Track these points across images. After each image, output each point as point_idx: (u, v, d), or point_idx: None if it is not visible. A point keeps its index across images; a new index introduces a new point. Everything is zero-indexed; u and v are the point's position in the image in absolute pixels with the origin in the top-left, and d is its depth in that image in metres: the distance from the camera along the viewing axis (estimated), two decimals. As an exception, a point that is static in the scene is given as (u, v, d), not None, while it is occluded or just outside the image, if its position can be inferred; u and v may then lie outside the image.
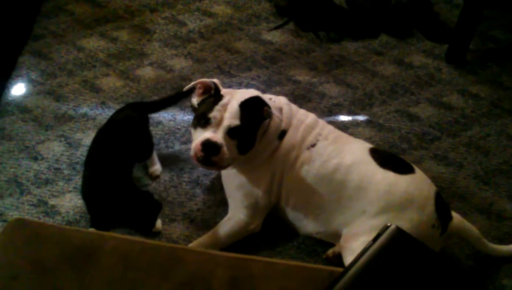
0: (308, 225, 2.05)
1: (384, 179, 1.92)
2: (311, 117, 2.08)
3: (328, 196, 1.97)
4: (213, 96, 1.95)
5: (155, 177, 2.25)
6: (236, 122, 1.87)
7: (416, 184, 1.94)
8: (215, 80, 1.99)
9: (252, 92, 2.03)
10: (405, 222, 1.84)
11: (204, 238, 2.01)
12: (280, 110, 2.02)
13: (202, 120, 1.89)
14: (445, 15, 3.17)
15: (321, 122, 2.10)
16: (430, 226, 1.88)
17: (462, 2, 2.80)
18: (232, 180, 2.06)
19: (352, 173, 1.94)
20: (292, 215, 2.06)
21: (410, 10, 3.05)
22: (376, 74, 2.83)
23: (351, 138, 2.12)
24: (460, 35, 2.84)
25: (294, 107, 2.11)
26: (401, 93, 2.74)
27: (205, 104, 1.95)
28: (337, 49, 2.96)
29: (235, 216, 2.04)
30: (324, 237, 2.04)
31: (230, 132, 1.87)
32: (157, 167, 2.25)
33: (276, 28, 3.04)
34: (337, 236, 1.97)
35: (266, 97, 2.03)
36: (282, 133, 2.01)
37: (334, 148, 2.00)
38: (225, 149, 1.85)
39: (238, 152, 1.91)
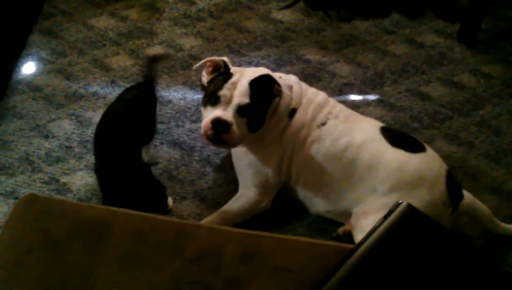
0: (318, 204, 2.05)
1: (394, 157, 1.92)
2: (321, 95, 2.08)
3: (338, 174, 1.96)
4: (222, 74, 1.95)
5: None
6: (246, 100, 1.86)
7: (427, 163, 1.93)
8: (225, 58, 1.98)
9: (262, 70, 2.03)
10: (416, 200, 1.82)
11: (214, 215, 2.01)
12: (290, 88, 2.01)
13: (212, 98, 1.89)
14: (458, -7, 3.14)
15: (332, 100, 2.09)
16: (441, 204, 1.88)
17: (475, -20, 2.76)
18: (242, 158, 2.06)
19: (363, 152, 1.94)
20: (302, 193, 2.06)
21: (421, -11, 3.02)
22: (387, 53, 2.81)
23: (362, 117, 2.11)
24: (472, 14, 2.81)
25: (304, 85, 2.10)
26: (412, 73, 2.72)
27: (214, 82, 1.94)
28: (348, 28, 2.93)
29: (245, 194, 2.04)
30: (334, 216, 2.05)
31: (240, 110, 1.87)
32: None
33: (286, 7, 3.02)
34: (347, 215, 1.97)
35: (276, 75, 2.02)
36: (292, 112, 2.01)
37: (344, 127, 2.00)
38: (235, 127, 1.85)
39: (248, 130, 1.91)
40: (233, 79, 1.90)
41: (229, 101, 1.87)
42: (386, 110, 2.51)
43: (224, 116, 1.85)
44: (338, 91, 2.58)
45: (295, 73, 2.60)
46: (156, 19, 2.88)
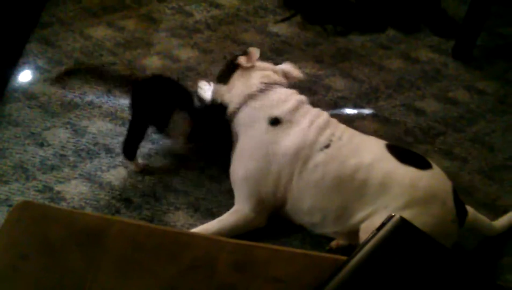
0: (327, 226, 2.03)
1: (407, 175, 1.92)
2: (323, 117, 2.07)
3: (350, 196, 1.95)
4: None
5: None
6: None
7: (437, 180, 1.95)
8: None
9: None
10: (429, 217, 1.84)
11: (208, 226, 2.01)
12: (283, 100, 2.06)
13: None
14: (453, 10, 3.16)
15: (334, 121, 2.09)
16: (450, 221, 1.89)
17: (470, -3, 2.80)
18: (239, 171, 2.06)
19: (374, 171, 1.93)
20: (306, 218, 2.05)
21: (417, 5, 3.04)
22: (383, 68, 2.83)
23: (365, 136, 2.10)
24: (467, 30, 2.84)
25: (306, 107, 2.12)
26: (407, 87, 2.74)
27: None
28: (344, 42, 2.96)
29: (241, 210, 2.04)
30: (339, 235, 2.04)
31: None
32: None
33: (283, 20, 3.04)
34: (354, 233, 1.96)
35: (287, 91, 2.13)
36: (275, 120, 2.03)
37: (350, 148, 1.99)
38: None
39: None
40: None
41: None
42: (380, 124, 2.53)
43: None
44: (333, 104, 2.60)
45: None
46: (153, 30, 2.90)
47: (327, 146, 1.99)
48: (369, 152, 1.98)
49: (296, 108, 2.07)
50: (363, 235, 1.91)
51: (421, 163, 1.98)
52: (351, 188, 1.94)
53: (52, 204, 2.08)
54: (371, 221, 1.90)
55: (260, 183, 2.02)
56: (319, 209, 2.00)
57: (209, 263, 1.32)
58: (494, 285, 1.29)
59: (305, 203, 2.02)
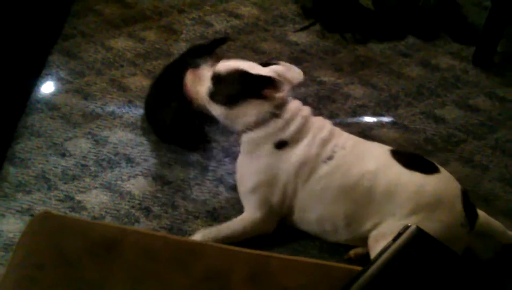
0: (337, 235, 2.04)
1: (412, 181, 1.91)
2: (326, 129, 2.04)
3: (356, 204, 1.95)
4: None
5: None
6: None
7: (443, 184, 1.94)
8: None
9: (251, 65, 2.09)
10: (436, 222, 1.84)
11: (218, 230, 2.03)
12: (289, 121, 2.02)
13: None
14: (473, 17, 3.14)
15: (336, 131, 2.07)
16: (459, 225, 1.87)
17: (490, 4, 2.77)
18: (247, 183, 2.07)
19: (379, 178, 1.93)
20: (317, 227, 2.05)
21: (437, 12, 3.03)
22: (402, 75, 2.82)
23: (368, 143, 2.09)
24: (488, 37, 2.81)
25: (311, 121, 2.06)
26: (427, 95, 2.72)
27: None
28: (363, 50, 2.95)
29: (250, 217, 2.05)
30: (352, 242, 2.04)
31: (214, 78, 2.03)
32: None
33: (302, 29, 3.05)
34: (365, 240, 1.97)
35: (293, 104, 2.06)
36: (281, 144, 2.00)
37: (354, 157, 1.98)
38: (204, 72, 2.07)
39: (208, 95, 2.05)
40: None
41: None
42: (400, 133, 2.52)
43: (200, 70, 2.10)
44: (352, 112, 2.60)
45: (309, 95, 2.64)
46: (173, 40, 2.93)
47: (330, 158, 1.98)
48: (373, 159, 1.98)
49: (301, 126, 2.02)
50: (372, 244, 1.92)
51: (427, 168, 1.96)
52: (357, 196, 1.94)
53: (72, 214, 2.12)
54: (379, 230, 1.91)
55: (268, 193, 2.03)
56: (327, 218, 2.01)
57: (224, 274, 1.33)
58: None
59: (312, 213, 2.02)
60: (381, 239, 1.87)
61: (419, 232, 1.35)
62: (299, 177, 1.99)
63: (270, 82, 1.98)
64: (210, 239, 2.01)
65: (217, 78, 2.04)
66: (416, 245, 1.34)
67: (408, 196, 1.89)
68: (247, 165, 2.09)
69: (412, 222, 1.78)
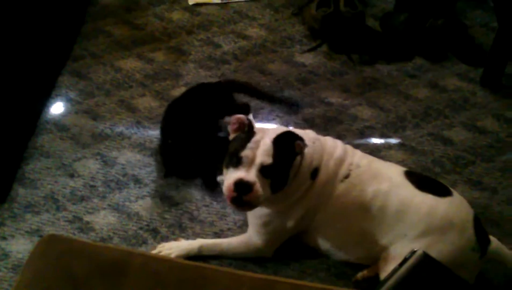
0: (348, 253, 2.04)
1: (423, 202, 1.91)
2: (339, 148, 2.05)
3: (368, 223, 1.95)
4: (245, 133, 1.92)
5: None
6: (269, 160, 1.83)
7: (455, 207, 1.93)
8: (250, 117, 1.99)
9: (283, 129, 2.00)
10: (446, 245, 1.84)
11: (211, 244, 2.08)
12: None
13: (234, 159, 1.85)
14: (481, 38, 3.15)
15: (350, 149, 2.08)
16: (470, 249, 1.87)
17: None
18: (258, 219, 2.05)
19: (391, 198, 1.93)
20: (327, 245, 2.06)
21: (444, 33, 3.03)
22: (410, 97, 2.82)
23: (383, 162, 2.11)
24: (495, 58, 2.81)
25: (322, 139, 2.07)
26: (434, 116, 2.72)
27: (236, 141, 1.91)
28: (370, 71, 2.96)
29: (253, 242, 2.06)
30: (363, 261, 2.03)
31: (263, 170, 1.83)
32: None
33: (309, 50, 3.07)
34: (375, 259, 1.97)
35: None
36: (315, 171, 1.98)
37: (369, 175, 1.99)
38: (258, 186, 1.81)
39: (271, 191, 1.87)
40: (256, 137, 1.87)
41: (251, 161, 1.83)
42: (407, 154, 2.51)
43: (246, 177, 1.81)
44: (359, 134, 2.60)
45: (317, 116, 2.65)
46: (182, 61, 2.96)
47: (347, 176, 1.99)
48: (387, 179, 1.98)
49: (318, 150, 2.01)
50: (382, 266, 1.92)
51: (440, 190, 1.97)
52: (370, 215, 1.95)
53: (80, 235, 2.13)
54: (390, 251, 1.91)
55: (281, 225, 2.03)
56: (340, 236, 2.02)
57: (230, 299, 1.33)
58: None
59: (327, 231, 2.03)
60: (391, 261, 1.87)
61: (426, 258, 1.35)
62: (321, 199, 1.99)
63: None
64: (207, 251, 2.07)
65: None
66: (422, 271, 1.34)
67: (419, 218, 1.89)
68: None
69: (423, 244, 1.82)
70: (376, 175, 2.00)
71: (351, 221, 1.98)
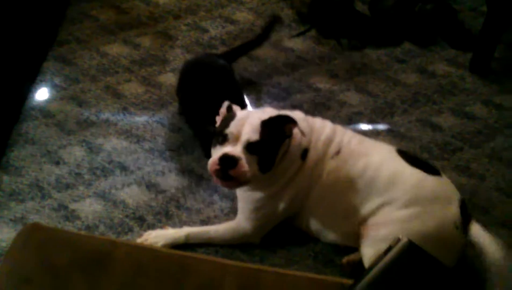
0: (336, 231, 2.04)
1: (413, 175, 1.93)
2: (328, 127, 2.06)
3: (358, 195, 1.96)
4: (228, 114, 1.93)
5: None
6: (255, 137, 1.82)
7: (443, 184, 1.96)
8: (227, 103, 1.98)
9: (268, 111, 2.01)
10: (431, 217, 1.85)
11: (200, 231, 2.07)
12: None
13: (219, 137, 1.85)
14: (470, 23, 3.13)
15: (339, 129, 2.08)
16: (454, 226, 1.87)
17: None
18: (248, 204, 2.05)
19: (382, 169, 1.95)
20: (318, 225, 2.05)
21: (433, 18, 3.01)
22: (398, 82, 2.81)
23: (374, 141, 2.12)
24: (484, 43, 2.80)
25: (311, 120, 2.08)
26: (423, 102, 2.71)
27: (221, 122, 1.92)
28: (359, 56, 2.94)
29: (242, 227, 2.06)
30: (351, 241, 2.02)
31: (249, 147, 1.82)
32: None
33: (297, 35, 3.04)
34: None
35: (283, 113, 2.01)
36: (305, 152, 1.99)
37: (360, 151, 2.00)
38: (243, 161, 1.80)
39: (258, 169, 1.86)
40: (240, 116, 1.87)
41: (237, 138, 1.82)
42: (396, 140, 2.50)
43: (232, 152, 1.80)
44: (347, 120, 2.58)
45: (305, 101, 2.64)
46: (169, 46, 2.92)
47: (337, 153, 1.99)
48: (379, 153, 2.00)
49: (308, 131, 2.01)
50: (364, 232, 1.92)
51: (430, 170, 1.99)
52: (360, 187, 1.95)
53: (66, 223, 2.11)
54: (373, 218, 1.92)
55: (271, 209, 2.03)
56: (330, 213, 2.02)
57: (215, 288, 1.32)
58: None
59: (317, 211, 2.03)
60: (374, 228, 1.90)
61: (410, 245, 1.34)
62: (312, 178, 1.99)
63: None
64: (194, 239, 2.06)
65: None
66: (406, 259, 1.33)
67: (407, 188, 1.90)
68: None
69: (408, 213, 1.85)
70: (367, 150, 2.01)
71: (340, 195, 1.98)
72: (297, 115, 2.05)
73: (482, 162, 2.44)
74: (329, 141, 2.02)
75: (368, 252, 1.88)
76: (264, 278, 1.36)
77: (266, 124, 1.86)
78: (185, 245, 2.05)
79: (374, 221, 1.92)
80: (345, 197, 1.97)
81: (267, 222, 2.06)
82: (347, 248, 2.04)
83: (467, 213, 1.93)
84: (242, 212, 2.07)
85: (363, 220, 1.95)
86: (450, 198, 1.92)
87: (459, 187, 2.24)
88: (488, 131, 2.58)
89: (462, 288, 1.30)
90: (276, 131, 1.89)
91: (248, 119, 1.86)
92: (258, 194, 2.01)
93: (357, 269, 1.96)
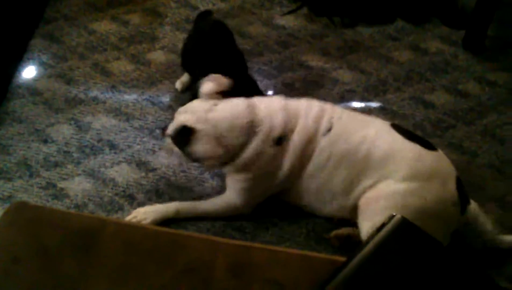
0: (333, 203, 2.01)
1: (412, 149, 1.91)
2: (315, 106, 2.02)
3: (356, 167, 1.93)
4: None
5: None
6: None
7: (441, 160, 1.95)
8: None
9: (241, 103, 1.99)
10: (430, 193, 1.84)
11: (197, 207, 2.06)
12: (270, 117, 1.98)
13: None
14: (463, 0, 3.10)
15: (329, 106, 2.05)
16: (451, 203, 1.86)
17: (481, -14, 2.73)
18: (240, 183, 2.03)
19: (379, 142, 1.92)
20: (313, 199, 2.04)
21: (427, -5, 2.99)
22: (391, 60, 2.78)
23: (366, 116, 2.10)
24: (478, 20, 2.77)
25: (293, 105, 2.03)
26: (416, 80, 2.69)
27: None
28: (351, 34, 2.91)
29: (232, 201, 2.05)
30: (345, 211, 2.01)
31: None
32: None
33: (289, 12, 3.00)
34: (355, 209, 1.95)
35: (260, 103, 2.00)
36: (280, 139, 1.97)
37: (354, 125, 1.98)
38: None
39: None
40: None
41: None
42: (388, 118, 2.48)
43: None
44: (340, 98, 2.56)
45: (297, 80, 2.60)
46: (158, 23, 2.88)
47: (329, 129, 1.97)
48: (374, 127, 1.98)
49: (287, 116, 1.99)
50: (363, 207, 1.90)
51: (427, 145, 1.97)
52: (356, 160, 1.93)
53: (54, 202, 2.08)
54: (371, 192, 1.89)
55: (260, 191, 2.03)
56: (326, 187, 1.99)
57: (205, 266, 1.30)
58: (494, 286, 1.25)
59: (313, 184, 2.01)
60: (372, 201, 1.87)
61: (404, 222, 1.33)
62: (305, 157, 1.97)
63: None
64: (184, 213, 2.04)
65: None
66: (400, 235, 1.31)
67: (406, 162, 1.88)
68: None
69: (407, 187, 1.83)
70: (362, 123, 1.99)
71: (336, 170, 1.95)
72: (273, 103, 2.02)
73: (475, 139, 2.43)
74: (318, 119, 1.99)
75: (366, 225, 1.86)
76: (256, 255, 1.34)
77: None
78: (177, 224, 2.02)
79: (372, 195, 1.89)
80: (341, 172, 1.95)
81: (257, 196, 2.05)
82: (338, 226, 2.03)
83: (463, 191, 1.92)
84: (231, 188, 2.06)
85: (361, 194, 1.93)
86: (449, 175, 1.91)
87: (452, 164, 2.24)
88: (481, 108, 2.57)
89: (456, 265, 1.28)
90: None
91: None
92: (247, 175, 2.00)
93: (345, 243, 1.97)
